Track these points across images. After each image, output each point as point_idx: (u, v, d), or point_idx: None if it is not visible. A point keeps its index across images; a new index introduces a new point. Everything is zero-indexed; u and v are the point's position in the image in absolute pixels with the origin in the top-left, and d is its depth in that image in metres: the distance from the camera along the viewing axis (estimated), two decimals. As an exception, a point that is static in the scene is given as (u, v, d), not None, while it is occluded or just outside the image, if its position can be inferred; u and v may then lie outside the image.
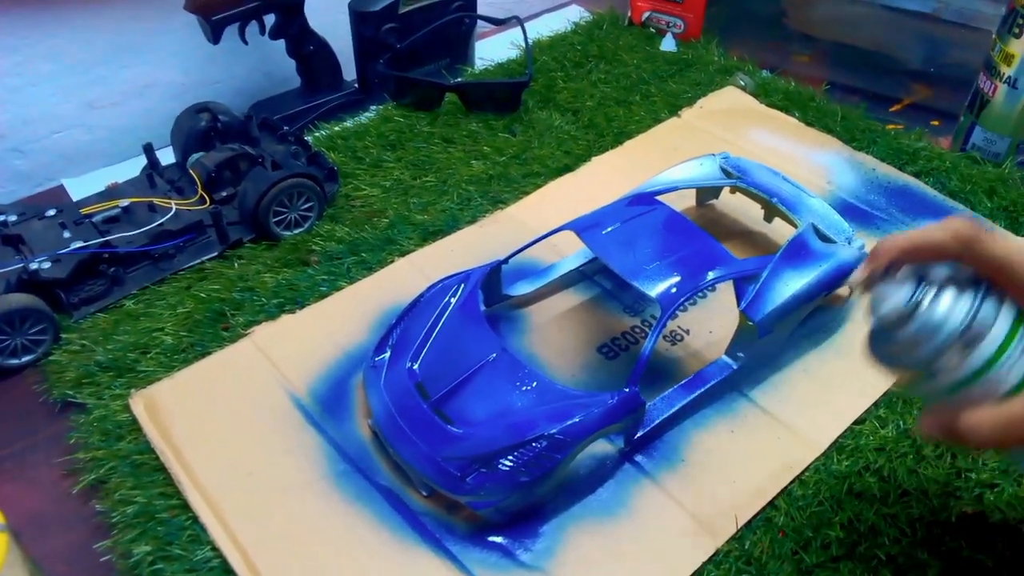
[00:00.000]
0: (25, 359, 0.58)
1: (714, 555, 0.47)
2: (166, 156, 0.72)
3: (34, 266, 0.59)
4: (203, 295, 0.62)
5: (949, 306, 0.36)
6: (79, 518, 0.49)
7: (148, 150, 0.71)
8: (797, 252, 0.56)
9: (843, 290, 0.59)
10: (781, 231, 0.65)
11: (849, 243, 0.59)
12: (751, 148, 0.77)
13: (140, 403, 0.54)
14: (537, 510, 0.49)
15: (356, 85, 0.84)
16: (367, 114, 0.82)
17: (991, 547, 0.48)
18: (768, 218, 0.67)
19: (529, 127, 0.80)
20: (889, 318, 0.37)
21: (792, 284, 0.54)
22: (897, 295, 0.37)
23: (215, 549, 0.47)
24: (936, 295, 0.37)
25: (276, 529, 0.48)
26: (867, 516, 0.49)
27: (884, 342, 0.39)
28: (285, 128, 0.74)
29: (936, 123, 0.83)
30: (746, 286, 0.54)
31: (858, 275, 0.39)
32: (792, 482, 0.51)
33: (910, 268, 0.38)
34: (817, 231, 0.59)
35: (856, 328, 0.61)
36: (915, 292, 0.37)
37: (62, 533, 0.48)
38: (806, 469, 0.52)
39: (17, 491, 0.50)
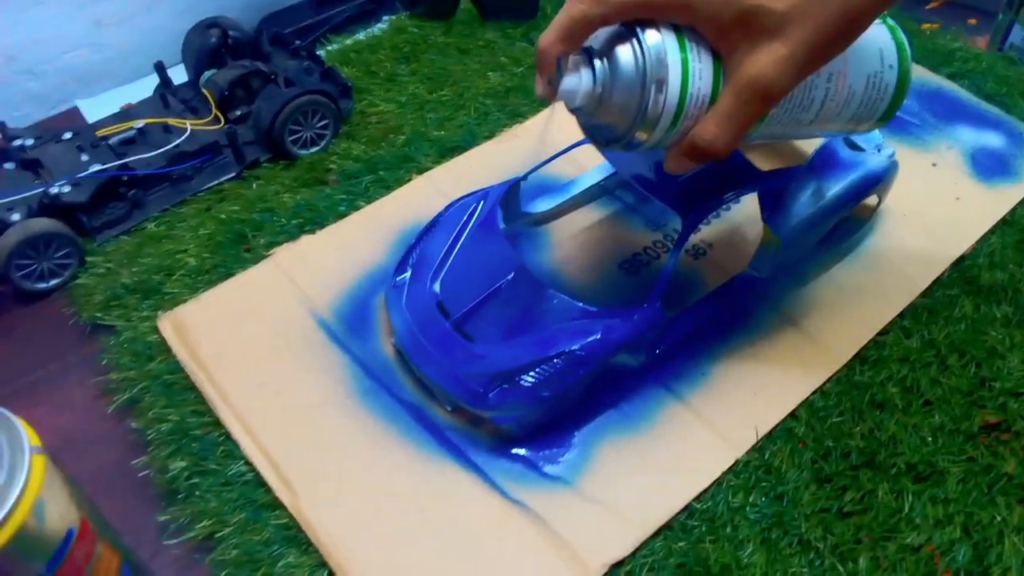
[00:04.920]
0: (52, 283, 0.58)
1: (734, 465, 0.48)
2: (178, 74, 0.71)
3: (55, 190, 0.59)
4: (223, 216, 0.62)
5: (623, 64, 0.38)
6: (115, 437, 0.51)
7: (160, 69, 0.69)
8: (824, 162, 0.55)
9: (871, 200, 0.58)
10: (809, 140, 0.63)
11: (879, 151, 0.57)
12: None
13: (168, 324, 0.55)
14: (561, 425, 0.49)
15: (367, -5, 0.82)
16: (380, 25, 0.80)
17: (1013, 453, 0.48)
18: (795, 126, 0.65)
19: (547, 35, 0.77)
20: (584, 105, 0.40)
21: (818, 195, 0.53)
22: (577, 83, 0.39)
23: (248, 464, 0.48)
24: (608, 61, 0.39)
25: (305, 445, 0.49)
26: (888, 426, 0.49)
27: (598, 129, 0.43)
28: (297, 43, 0.72)
29: (973, 21, 0.80)
30: (771, 198, 0.53)
31: (540, 89, 0.40)
32: (814, 393, 0.51)
33: (575, 55, 0.40)
34: (846, 139, 0.57)
35: (883, 239, 0.60)
36: (592, 71, 0.39)
37: (99, 452, 0.50)
38: (828, 380, 0.52)
39: (52, 412, 0.52)
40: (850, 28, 0.37)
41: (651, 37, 0.38)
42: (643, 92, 0.38)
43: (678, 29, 0.38)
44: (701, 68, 0.38)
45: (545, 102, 0.70)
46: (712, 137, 0.39)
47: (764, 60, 0.36)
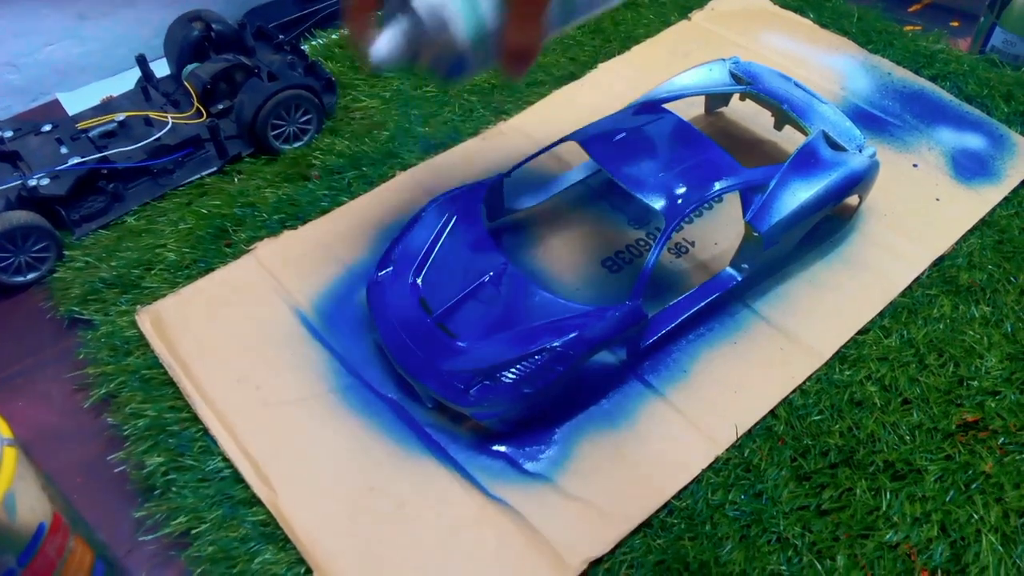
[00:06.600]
0: (30, 276, 0.58)
1: (714, 462, 0.48)
2: (160, 68, 0.70)
3: (33, 183, 0.58)
4: (204, 211, 0.61)
5: (410, 22, 0.42)
6: (92, 431, 0.50)
7: (141, 62, 0.69)
8: (806, 161, 0.55)
9: (852, 200, 0.58)
10: (791, 139, 0.64)
11: (860, 151, 0.57)
12: (763, 52, 0.75)
13: (146, 319, 0.54)
14: (542, 422, 0.49)
15: (353, -10, 0.81)
16: (365, 21, 0.80)
17: (990, 451, 0.48)
18: (778, 126, 0.65)
19: (533, 33, 0.77)
20: (400, 59, 0.44)
21: (800, 194, 0.53)
22: (385, 51, 0.43)
23: (226, 460, 0.48)
24: (400, 22, 0.43)
25: (284, 440, 0.49)
26: (867, 424, 0.49)
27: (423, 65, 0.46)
28: (281, 37, 0.71)
29: (956, 24, 0.80)
30: (753, 196, 0.53)
31: (363, 65, 0.45)
32: (793, 392, 0.51)
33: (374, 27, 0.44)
34: (828, 139, 0.57)
35: (863, 239, 0.60)
36: (393, 35, 0.43)
37: (76, 446, 0.49)
38: (808, 379, 0.52)
39: (30, 406, 0.51)
40: None
41: None
42: (440, 36, 0.42)
43: None
44: None
45: (530, 100, 0.70)
46: (518, 41, 0.42)
47: None
